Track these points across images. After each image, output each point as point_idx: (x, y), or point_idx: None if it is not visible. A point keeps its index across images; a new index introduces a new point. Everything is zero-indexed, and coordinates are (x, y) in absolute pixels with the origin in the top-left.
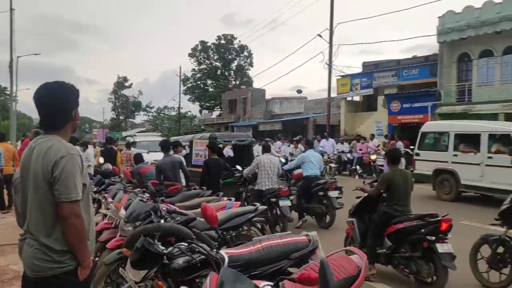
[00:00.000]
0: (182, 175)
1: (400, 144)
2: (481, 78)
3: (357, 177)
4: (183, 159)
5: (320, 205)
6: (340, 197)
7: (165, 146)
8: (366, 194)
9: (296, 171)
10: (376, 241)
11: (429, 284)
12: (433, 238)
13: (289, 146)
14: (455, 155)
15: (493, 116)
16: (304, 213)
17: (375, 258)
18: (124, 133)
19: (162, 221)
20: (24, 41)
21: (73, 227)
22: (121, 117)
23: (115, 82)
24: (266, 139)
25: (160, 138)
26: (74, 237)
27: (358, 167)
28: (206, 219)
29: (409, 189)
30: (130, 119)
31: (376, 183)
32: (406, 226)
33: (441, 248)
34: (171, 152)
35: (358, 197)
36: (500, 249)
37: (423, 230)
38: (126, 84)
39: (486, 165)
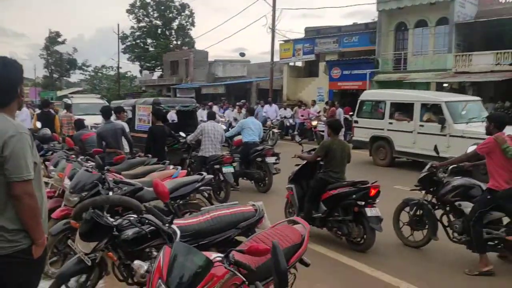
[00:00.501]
0: (125, 142)
1: (340, 111)
2: (416, 48)
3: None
4: (125, 125)
5: (258, 171)
6: (277, 163)
7: (106, 113)
8: (304, 162)
9: (236, 138)
10: (312, 205)
11: (359, 244)
12: (363, 203)
13: (232, 111)
14: (390, 123)
15: (426, 85)
16: (244, 178)
17: (311, 222)
18: (59, 93)
19: (110, 193)
20: None
21: (26, 206)
22: (55, 75)
23: (47, 37)
24: (209, 103)
25: (100, 101)
26: (28, 216)
27: (297, 137)
28: (158, 195)
29: (345, 159)
30: (65, 78)
31: (314, 151)
32: (340, 192)
33: (369, 212)
34: (113, 118)
35: (297, 165)
36: (419, 212)
37: (354, 196)
38: (59, 39)
39: (418, 133)
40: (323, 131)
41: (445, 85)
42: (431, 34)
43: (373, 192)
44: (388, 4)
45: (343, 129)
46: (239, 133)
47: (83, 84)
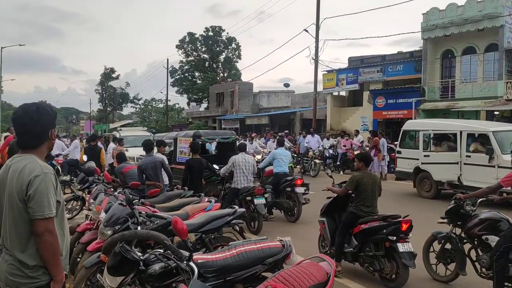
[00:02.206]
0: (165, 175)
1: (383, 141)
2: (464, 75)
3: (341, 172)
4: (164, 158)
5: (287, 200)
6: (307, 193)
7: (147, 147)
8: (336, 195)
9: (267, 168)
10: (344, 240)
11: (392, 281)
12: (394, 238)
13: (274, 142)
14: (434, 154)
15: (475, 113)
16: (274, 208)
17: (342, 256)
18: (111, 125)
19: (139, 228)
20: (7, 29)
21: (47, 243)
22: (108, 109)
23: (102, 73)
24: (253, 134)
25: (146, 133)
26: (48, 253)
27: (328, 169)
28: (176, 232)
29: (376, 192)
30: (117, 111)
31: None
32: (370, 227)
33: (401, 247)
34: (154, 151)
35: (328, 197)
36: (448, 246)
37: (385, 231)
38: (113, 75)
39: (465, 164)
40: None
41: (496, 113)
42: (480, 61)
43: (404, 226)
44: (433, 32)
45: (387, 157)
46: (270, 164)
47: (133, 116)
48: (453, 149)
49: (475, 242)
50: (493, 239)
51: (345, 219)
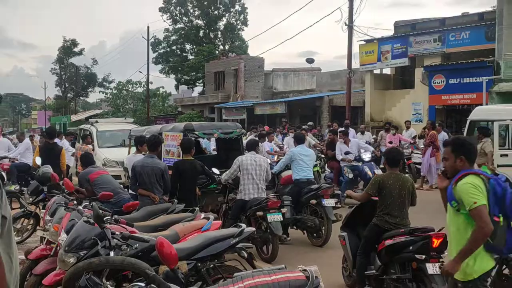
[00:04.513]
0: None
1: (443, 135)
2: None
3: None
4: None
5: (312, 217)
6: (339, 207)
7: (154, 144)
8: (359, 203)
9: (284, 174)
10: (365, 260)
11: None
12: (423, 257)
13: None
14: None
15: None
16: (294, 227)
17: (366, 281)
18: (73, 117)
19: (112, 253)
20: None
21: None
22: (69, 95)
23: (60, 47)
24: (261, 129)
25: (134, 127)
26: None
27: (346, 170)
28: (163, 259)
29: (406, 198)
30: (81, 98)
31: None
32: (394, 242)
33: (432, 268)
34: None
35: (350, 206)
36: (507, 271)
37: (411, 248)
38: (76, 49)
39: None
40: (419, 164)
41: None
42: None
43: (436, 242)
44: None
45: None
46: (288, 168)
47: (103, 105)
48: None
49: None
50: None
51: (367, 233)
